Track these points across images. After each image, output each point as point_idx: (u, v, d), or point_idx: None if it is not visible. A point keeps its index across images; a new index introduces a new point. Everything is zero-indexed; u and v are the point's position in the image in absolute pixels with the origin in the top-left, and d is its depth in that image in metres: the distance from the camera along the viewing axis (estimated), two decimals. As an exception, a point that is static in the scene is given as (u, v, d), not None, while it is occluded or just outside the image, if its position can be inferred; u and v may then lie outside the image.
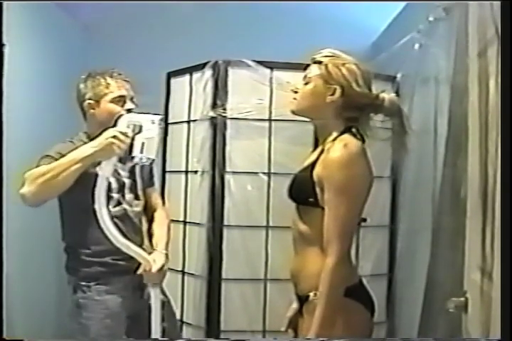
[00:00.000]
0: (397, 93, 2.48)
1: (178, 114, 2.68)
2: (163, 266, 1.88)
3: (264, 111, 2.50)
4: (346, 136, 1.59)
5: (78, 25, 3.36)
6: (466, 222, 1.44)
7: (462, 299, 1.39)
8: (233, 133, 2.49)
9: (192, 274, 2.53)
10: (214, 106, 2.49)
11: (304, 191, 1.60)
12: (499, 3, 1.27)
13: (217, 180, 2.48)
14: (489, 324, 1.28)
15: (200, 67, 2.54)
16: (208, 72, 2.51)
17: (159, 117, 1.73)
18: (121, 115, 1.80)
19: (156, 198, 2.14)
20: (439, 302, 1.74)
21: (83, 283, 1.87)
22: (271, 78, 2.50)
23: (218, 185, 2.48)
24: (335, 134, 1.61)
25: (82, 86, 1.95)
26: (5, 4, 1.80)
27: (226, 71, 2.49)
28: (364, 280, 1.66)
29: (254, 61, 2.49)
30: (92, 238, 1.86)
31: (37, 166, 1.80)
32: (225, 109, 2.47)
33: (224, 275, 2.47)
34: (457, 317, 1.44)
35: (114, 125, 1.83)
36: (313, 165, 1.59)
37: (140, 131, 1.70)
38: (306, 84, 1.65)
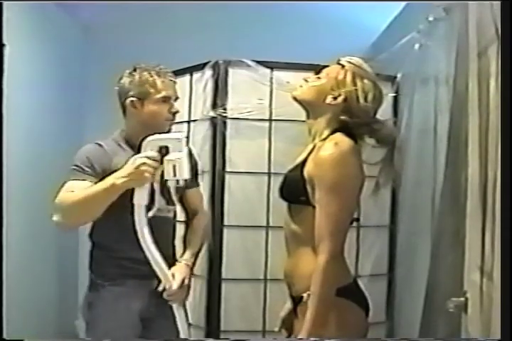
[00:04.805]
0: (397, 93, 2.48)
1: (178, 114, 2.67)
2: (183, 281, 1.76)
3: (264, 111, 2.50)
4: (338, 135, 1.59)
5: (78, 25, 3.36)
6: (466, 221, 1.44)
7: (462, 299, 1.39)
8: (233, 133, 2.49)
9: (192, 274, 2.53)
10: (214, 106, 2.49)
11: (295, 190, 1.59)
12: (499, 3, 1.27)
13: (217, 180, 2.48)
14: (489, 324, 1.27)
15: (200, 67, 2.54)
16: (208, 72, 2.51)
17: (183, 134, 1.64)
18: (144, 138, 1.67)
19: (197, 200, 2.02)
20: (440, 303, 1.74)
21: (99, 281, 1.84)
22: (271, 78, 2.50)
23: (218, 185, 2.48)
24: (326, 133, 1.62)
25: (126, 81, 1.82)
26: (5, 4, 1.80)
27: (226, 71, 2.49)
28: (360, 281, 1.66)
29: (254, 61, 2.49)
30: (115, 241, 1.82)
31: (65, 181, 1.74)
32: (225, 109, 2.47)
33: (224, 276, 2.48)
34: (457, 317, 1.44)
35: (156, 130, 1.72)
36: (303, 163, 1.60)
37: (167, 153, 1.60)
38: (319, 78, 1.66)
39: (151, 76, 1.80)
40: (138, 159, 1.59)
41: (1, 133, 2.02)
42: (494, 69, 1.32)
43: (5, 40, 2.03)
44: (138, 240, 1.66)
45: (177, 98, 1.88)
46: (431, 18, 2.08)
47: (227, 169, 2.49)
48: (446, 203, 1.86)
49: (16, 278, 2.30)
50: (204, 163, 2.50)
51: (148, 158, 1.58)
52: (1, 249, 1.96)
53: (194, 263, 1.90)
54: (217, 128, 2.48)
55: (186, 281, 1.79)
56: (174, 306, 1.76)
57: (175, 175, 1.59)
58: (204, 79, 2.52)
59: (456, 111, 1.80)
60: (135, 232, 1.66)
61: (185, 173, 1.60)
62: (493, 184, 1.29)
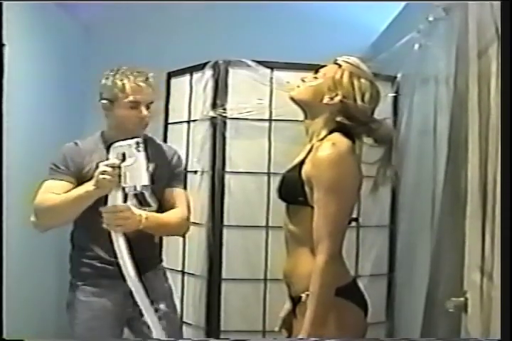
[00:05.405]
0: (397, 93, 2.48)
1: (178, 114, 2.68)
2: (124, 208, 1.60)
3: (264, 111, 2.50)
4: (335, 135, 1.59)
5: (78, 25, 3.36)
6: (466, 221, 1.44)
7: (462, 299, 1.39)
8: (233, 133, 2.49)
9: (192, 274, 2.53)
10: (214, 106, 2.49)
11: (293, 190, 1.60)
12: (499, 3, 1.27)
13: (217, 180, 2.48)
14: (489, 324, 1.27)
15: (200, 67, 2.54)
16: (208, 72, 2.52)
17: (135, 140, 1.56)
18: (111, 144, 1.65)
19: (175, 200, 1.92)
20: (440, 303, 1.74)
21: (73, 282, 1.89)
22: (271, 78, 2.50)
23: (218, 185, 2.48)
24: (324, 133, 1.62)
25: (102, 83, 1.84)
26: (5, 4, 1.80)
27: (226, 71, 2.49)
28: (360, 281, 1.66)
29: (254, 61, 2.49)
30: (89, 242, 1.85)
31: (44, 180, 1.80)
32: (225, 109, 2.47)
33: (224, 275, 2.47)
34: (457, 317, 1.44)
35: (127, 134, 1.68)
36: (301, 164, 1.60)
37: (124, 159, 1.57)
38: (316, 78, 1.66)
39: (121, 80, 1.80)
40: (100, 167, 1.59)
41: (1, 133, 2.02)
42: (494, 69, 1.32)
43: (5, 40, 2.03)
44: (110, 241, 1.60)
45: (149, 103, 1.84)
46: (431, 18, 2.08)
47: (227, 169, 2.49)
48: (446, 203, 1.86)
49: (16, 278, 2.30)
50: (204, 163, 2.50)
51: (107, 165, 1.57)
52: (2, 249, 1.96)
53: (153, 225, 1.73)
54: (217, 128, 2.48)
55: (126, 208, 1.61)
56: (112, 234, 1.59)
57: (126, 181, 1.55)
58: (204, 79, 2.52)
59: (456, 111, 1.80)
60: (109, 234, 1.61)
61: (140, 179, 1.55)
62: (493, 184, 1.29)
